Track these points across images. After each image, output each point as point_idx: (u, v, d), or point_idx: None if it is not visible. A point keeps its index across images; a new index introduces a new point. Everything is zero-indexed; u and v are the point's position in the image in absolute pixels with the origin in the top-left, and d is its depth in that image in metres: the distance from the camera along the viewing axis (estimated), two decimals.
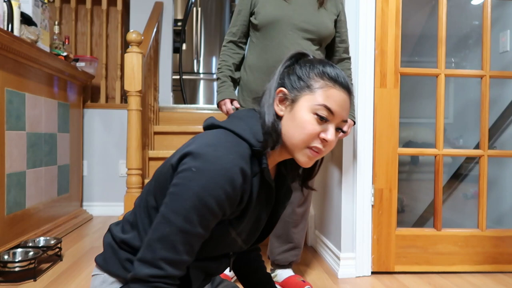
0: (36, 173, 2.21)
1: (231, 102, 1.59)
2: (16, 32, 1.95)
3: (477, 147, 2.02)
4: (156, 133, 2.78)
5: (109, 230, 0.90)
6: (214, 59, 4.11)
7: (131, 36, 2.12)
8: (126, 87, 2.12)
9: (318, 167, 0.95)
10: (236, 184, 0.73)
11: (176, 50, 3.84)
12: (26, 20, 2.09)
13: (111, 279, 0.84)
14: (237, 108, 1.61)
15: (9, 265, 1.65)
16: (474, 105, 2.40)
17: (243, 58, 1.66)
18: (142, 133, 2.26)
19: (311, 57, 0.89)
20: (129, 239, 0.83)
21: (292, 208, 1.62)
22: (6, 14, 1.90)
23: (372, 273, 1.83)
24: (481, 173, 1.89)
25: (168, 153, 2.54)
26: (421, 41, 3.02)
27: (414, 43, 3.05)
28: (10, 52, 1.89)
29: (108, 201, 3.07)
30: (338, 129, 0.84)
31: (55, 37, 2.55)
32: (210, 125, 0.88)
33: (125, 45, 3.25)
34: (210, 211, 0.72)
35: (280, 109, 0.84)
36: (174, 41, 3.54)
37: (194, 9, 3.98)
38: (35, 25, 2.16)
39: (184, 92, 3.97)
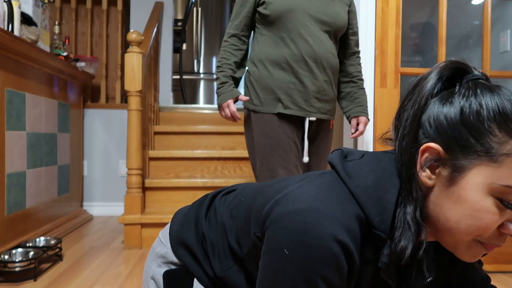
0: (36, 173, 2.21)
1: (235, 102, 1.50)
2: (16, 32, 1.95)
3: None
4: (156, 133, 2.78)
5: (196, 221, 0.74)
6: (214, 59, 4.11)
7: (131, 36, 2.12)
8: (126, 87, 2.12)
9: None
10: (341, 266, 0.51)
11: (176, 50, 3.84)
12: (26, 20, 2.09)
13: (172, 257, 0.73)
14: (235, 102, 1.51)
15: (9, 265, 1.65)
16: None
17: (245, 54, 1.55)
18: (142, 133, 2.26)
19: (481, 77, 0.56)
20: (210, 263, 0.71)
21: None
22: (6, 14, 1.90)
23: None
24: None
25: (168, 153, 2.54)
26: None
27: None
28: (10, 52, 1.89)
29: (108, 201, 3.07)
30: None
31: (55, 37, 2.55)
32: (331, 164, 0.60)
33: (125, 45, 3.24)
34: None
35: (427, 176, 0.53)
36: (174, 41, 3.53)
37: (194, 9, 3.98)
38: (35, 25, 2.17)
39: (184, 92, 3.97)
